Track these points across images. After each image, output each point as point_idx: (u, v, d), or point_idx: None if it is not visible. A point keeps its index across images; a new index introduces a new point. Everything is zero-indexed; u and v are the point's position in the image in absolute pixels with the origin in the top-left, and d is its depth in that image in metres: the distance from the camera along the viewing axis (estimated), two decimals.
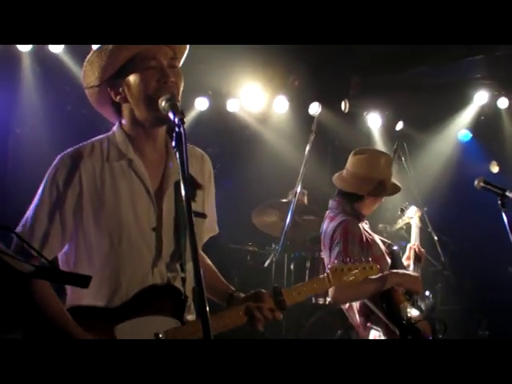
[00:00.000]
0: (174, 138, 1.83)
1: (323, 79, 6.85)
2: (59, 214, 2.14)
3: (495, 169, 7.47)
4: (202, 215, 2.33)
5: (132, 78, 2.15)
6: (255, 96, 6.76)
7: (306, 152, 5.40)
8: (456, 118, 7.40)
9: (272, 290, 2.38)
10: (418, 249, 3.92)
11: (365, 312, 3.51)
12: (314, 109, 6.76)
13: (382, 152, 4.05)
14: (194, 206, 1.81)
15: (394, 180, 3.78)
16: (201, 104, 6.69)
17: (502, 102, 7.13)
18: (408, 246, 4.00)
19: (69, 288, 2.23)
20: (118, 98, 2.20)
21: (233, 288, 2.43)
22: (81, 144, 2.24)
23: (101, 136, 2.28)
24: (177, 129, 1.84)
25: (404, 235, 6.18)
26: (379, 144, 7.46)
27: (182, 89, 2.19)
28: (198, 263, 1.73)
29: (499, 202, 3.35)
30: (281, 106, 6.98)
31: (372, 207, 3.71)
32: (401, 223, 6.18)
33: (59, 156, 2.20)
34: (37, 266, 1.61)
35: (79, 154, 2.19)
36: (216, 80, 6.44)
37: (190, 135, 1.83)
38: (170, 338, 2.17)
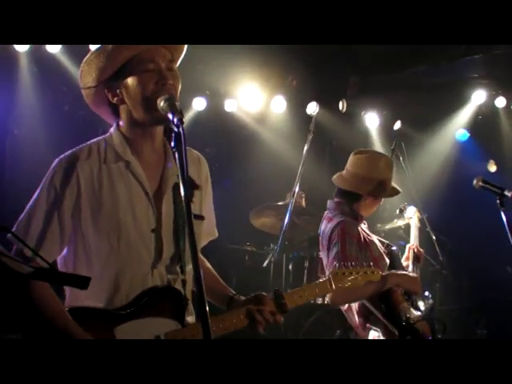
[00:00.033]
0: (173, 138, 1.82)
1: (321, 79, 6.85)
2: (57, 217, 2.14)
3: (493, 168, 7.47)
4: (200, 217, 2.32)
5: (130, 80, 2.15)
6: (253, 96, 6.76)
7: (304, 152, 5.39)
8: (454, 117, 7.40)
9: (273, 293, 2.38)
10: (417, 249, 3.92)
11: (364, 313, 3.50)
12: (312, 108, 6.75)
13: (383, 154, 4.05)
14: (192, 208, 1.81)
15: (394, 183, 3.78)
16: (198, 104, 6.68)
17: (500, 102, 7.13)
18: (407, 246, 4.00)
19: (68, 289, 2.22)
20: (116, 99, 2.20)
21: (233, 291, 2.43)
22: (78, 147, 2.24)
23: (98, 138, 2.28)
24: (176, 129, 1.83)
25: (402, 235, 6.19)
26: (377, 144, 7.46)
27: (179, 91, 2.19)
28: (198, 265, 1.73)
29: (498, 201, 3.35)
30: (279, 105, 6.97)
31: (371, 208, 3.71)
32: (397, 223, 6.20)
33: (57, 159, 2.20)
34: (35, 267, 1.60)
35: (76, 156, 2.19)
36: (214, 80, 6.44)
37: (188, 135, 1.83)
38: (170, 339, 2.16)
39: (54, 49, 5.58)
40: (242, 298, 2.36)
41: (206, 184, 2.41)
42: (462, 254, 6.95)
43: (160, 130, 2.26)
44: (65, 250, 2.19)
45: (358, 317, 3.53)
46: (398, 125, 7.28)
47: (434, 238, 5.80)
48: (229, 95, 6.79)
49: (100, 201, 2.16)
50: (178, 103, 1.98)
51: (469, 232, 7.02)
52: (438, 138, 7.50)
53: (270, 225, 6.16)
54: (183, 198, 1.78)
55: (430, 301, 3.66)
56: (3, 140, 5.82)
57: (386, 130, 7.39)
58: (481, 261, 7.02)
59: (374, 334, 3.44)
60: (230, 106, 6.86)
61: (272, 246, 5.96)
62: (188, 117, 6.47)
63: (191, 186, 2.28)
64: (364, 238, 3.51)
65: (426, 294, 3.67)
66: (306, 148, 5.39)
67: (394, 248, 3.64)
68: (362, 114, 7.45)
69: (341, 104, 6.92)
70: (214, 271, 2.51)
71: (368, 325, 3.48)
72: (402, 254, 3.90)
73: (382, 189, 3.63)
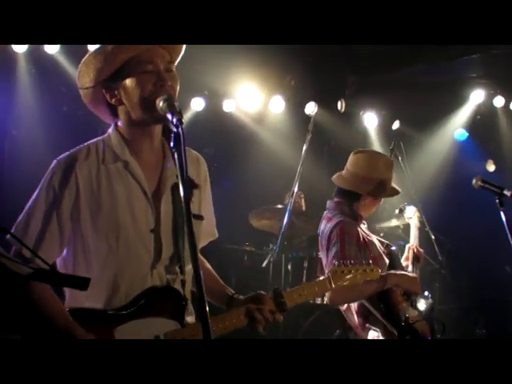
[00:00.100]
0: (172, 138, 1.82)
1: (319, 79, 6.85)
2: (56, 218, 2.14)
3: (491, 167, 7.48)
4: (199, 217, 2.32)
5: (128, 81, 2.15)
6: (251, 96, 6.75)
7: (303, 152, 5.39)
8: (452, 117, 7.41)
9: (272, 292, 2.37)
10: (417, 249, 3.92)
11: (363, 313, 3.50)
12: (311, 108, 6.75)
13: (383, 153, 4.05)
14: (191, 208, 1.80)
15: (394, 183, 3.78)
16: (197, 104, 6.68)
17: (498, 101, 7.14)
18: (407, 246, 3.99)
19: (67, 291, 2.22)
20: (114, 100, 2.20)
21: (232, 291, 2.43)
22: (76, 148, 2.23)
23: (96, 139, 2.28)
24: (175, 129, 1.83)
25: (401, 235, 6.19)
26: (376, 144, 7.46)
27: (178, 92, 2.19)
28: (198, 265, 1.73)
29: (497, 200, 3.35)
30: (277, 105, 6.97)
31: (370, 208, 3.71)
32: (395, 222, 6.21)
33: (55, 160, 2.20)
34: (35, 268, 1.60)
35: (75, 157, 2.18)
36: (212, 80, 6.43)
37: (187, 136, 1.82)
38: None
39: (52, 49, 5.57)
40: (242, 297, 2.36)
41: (204, 184, 2.41)
42: (460, 253, 6.96)
43: (159, 129, 2.26)
44: (64, 252, 2.19)
45: (358, 317, 3.52)
46: (396, 124, 7.29)
47: (432, 237, 5.81)
48: (227, 95, 6.79)
49: (99, 201, 2.16)
50: (177, 103, 1.98)
51: (468, 232, 7.03)
52: (436, 138, 7.51)
53: (269, 225, 6.17)
54: (183, 199, 1.78)
55: (430, 300, 3.65)
56: (2, 141, 5.81)
57: (385, 129, 7.39)
58: (480, 260, 7.03)
59: (374, 334, 3.44)
60: (228, 106, 6.85)
61: (271, 246, 5.97)
62: (186, 117, 6.47)
63: (190, 185, 2.28)
64: (363, 238, 3.51)
65: (426, 293, 3.66)
66: (304, 148, 5.39)
67: (393, 248, 3.63)
68: (361, 113, 7.45)
69: (339, 104, 6.93)
70: (213, 271, 2.50)
71: (367, 325, 3.48)
72: (402, 254, 3.90)
73: (381, 189, 3.63)
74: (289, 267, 5.91)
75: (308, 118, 6.24)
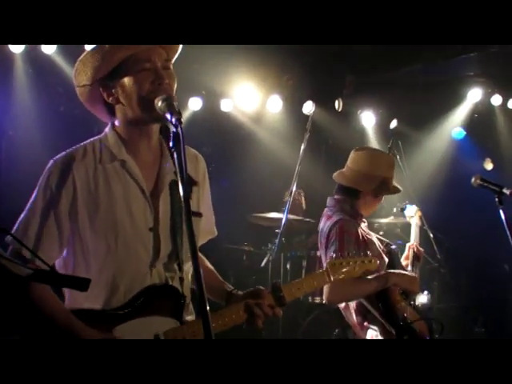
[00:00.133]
0: (171, 138, 1.82)
1: (317, 78, 6.85)
2: (54, 219, 2.13)
3: (489, 166, 7.48)
4: (198, 214, 2.32)
5: (126, 80, 2.14)
6: (249, 95, 6.75)
7: (301, 151, 5.39)
8: (450, 115, 7.41)
9: (271, 287, 2.36)
10: (417, 248, 3.91)
11: (362, 311, 3.50)
12: (308, 108, 6.76)
13: (384, 151, 4.04)
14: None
15: (395, 182, 3.77)
16: (194, 104, 6.67)
17: (496, 100, 7.14)
18: (407, 245, 3.98)
19: (66, 292, 2.22)
20: (111, 98, 2.19)
21: (231, 286, 2.42)
22: (73, 147, 2.23)
23: (93, 138, 2.27)
24: (174, 129, 1.83)
25: (400, 234, 6.20)
26: (373, 143, 7.46)
27: (175, 90, 2.18)
28: (198, 262, 1.73)
29: (496, 199, 3.34)
30: (275, 105, 6.96)
31: (371, 207, 3.70)
32: (394, 220, 6.21)
33: (52, 160, 2.19)
34: (35, 269, 1.59)
35: (72, 157, 2.18)
36: (210, 79, 6.43)
37: (184, 135, 1.83)
38: (170, 339, 2.15)
39: (49, 50, 5.56)
40: (240, 292, 2.36)
41: (203, 181, 2.41)
42: (459, 252, 6.96)
43: (156, 128, 2.26)
44: (64, 252, 2.18)
45: (356, 315, 3.52)
46: (394, 123, 7.28)
47: (431, 236, 5.81)
48: (225, 95, 6.78)
49: (96, 201, 2.15)
50: (175, 103, 1.97)
51: (466, 230, 7.03)
52: (434, 137, 7.51)
53: (267, 224, 6.18)
54: (182, 198, 1.78)
55: (429, 300, 3.65)
56: None
57: (383, 128, 7.38)
58: (478, 259, 7.04)
59: (372, 334, 3.43)
60: (225, 105, 6.85)
61: (270, 245, 5.97)
62: (184, 117, 6.41)
63: (189, 183, 2.27)
64: (363, 237, 3.50)
65: (425, 293, 3.67)
66: (302, 147, 5.38)
67: (393, 247, 3.62)
68: (358, 112, 7.44)
69: (337, 103, 6.92)
70: (211, 267, 2.50)
71: (366, 323, 3.47)
72: (401, 253, 3.90)
73: (382, 186, 3.62)
74: (287, 266, 5.91)
75: (306, 117, 6.24)
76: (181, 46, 2.28)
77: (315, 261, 5.69)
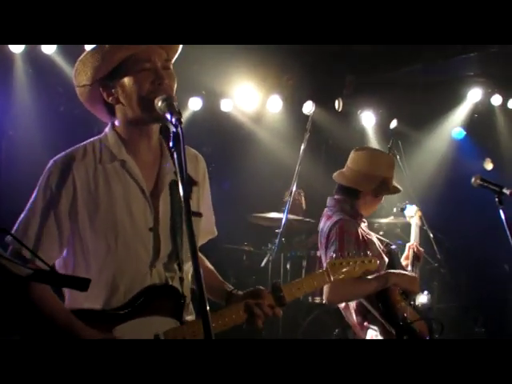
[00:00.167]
0: (171, 138, 1.82)
1: (317, 78, 6.84)
2: (54, 218, 2.13)
3: (489, 166, 7.48)
4: (198, 214, 2.32)
5: (126, 80, 2.14)
6: (249, 95, 6.75)
7: (301, 151, 5.38)
8: (450, 115, 7.40)
9: (271, 287, 2.36)
10: (417, 248, 3.91)
11: (362, 311, 3.49)
12: (308, 108, 6.76)
13: (384, 151, 4.04)
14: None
15: (395, 182, 3.76)
16: (194, 104, 6.67)
17: (496, 100, 7.14)
18: (407, 245, 3.98)
19: (66, 292, 2.22)
20: (111, 98, 2.19)
21: (231, 286, 2.42)
22: (73, 147, 2.22)
23: (93, 138, 2.27)
24: (174, 129, 1.83)
25: (400, 234, 6.19)
26: (373, 143, 7.45)
27: (175, 90, 2.18)
28: (198, 262, 1.73)
29: (496, 199, 3.34)
30: (275, 105, 6.96)
31: (371, 207, 3.69)
32: (393, 219, 6.21)
33: (52, 160, 2.19)
34: (35, 269, 1.59)
35: (72, 157, 2.18)
36: (210, 80, 6.43)
37: (184, 135, 1.83)
38: (170, 339, 2.15)
39: (49, 50, 5.56)
40: (240, 292, 2.35)
41: (203, 181, 2.41)
42: (459, 252, 6.96)
43: (156, 128, 2.26)
44: (64, 252, 2.18)
45: (356, 315, 3.52)
46: (394, 123, 7.28)
47: (431, 236, 5.81)
48: (225, 95, 6.78)
49: (96, 201, 2.15)
50: (175, 103, 1.97)
51: (466, 230, 7.03)
52: (434, 137, 7.51)
53: (267, 224, 6.18)
54: (182, 198, 1.78)
55: (429, 300, 3.65)
56: None
57: (383, 128, 7.38)
58: (478, 259, 7.03)
59: (372, 333, 3.43)
60: (225, 105, 6.84)
61: (270, 245, 5.96)
62: (184, 117, 6.41)
63: (189, 183, 2.27)
64: (363, 237, 3.49)
65: (425, 293, 3.66)
66: (302, 147, 5.38)
67: (393, 247, 3.61)
68: (358, 112, 7.44)
69: (337, 103, 6.92)
70: (211, 267, 2.50)
71: (366, 323, 3.47)
72: (401, 253, 3.89)
73: (382, 186, 3.61)
74: (287, 266, 5.91)
75: (305, 117, 6.24)
76: (181, 46, 2.28)
77: (315, 261, 5.69)
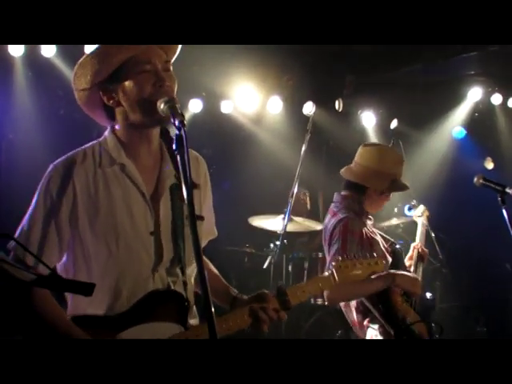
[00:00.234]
0: (174, 140, 1.81)
1: (317, 78, 6.83)
2: (55, 224, 2.12)
3: (490, 165, 7.47)
4: (200, 217, 2.31)
5: (127, 83, 2.13)
6: (249, 97, 6.74)
7: (302, 152, 5.37)
8: (450, 115, 7.39)
9: (276, 290, 2.34)
10: (422, 249, 3.89)
11: (362, 310, 3.48)
12: (308, 108, 6.75)
13: (393, 148, 4.00)
14: None
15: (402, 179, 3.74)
16: (195, 106, 6.66)
17: (496, 99, 7.13)
18: (412, 245, 3.95)
19: (69, 298, 2.20)
20: (111, 102, 2.18)
21: (235, 290, 2.41)
22: (73, 152, 2.22)
23: (92, 142, 2.26)
24: (177, 131, 1.82)
25: (401, 234, 6.18)
26: None
27: (176, 92, 2.17)
28: (203, 265, 1.72)
29: (499, 198, 3.34)
30: (275, 106, 6.95)
31: (377, 204, 3.66)
32: (395, 221, 6.19)
33: (51, 165, 2.18)
34: (38, 274, 1.58)
35: (71, 161, 2.17)
36: (210, 80, 6.42)
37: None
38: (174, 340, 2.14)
39: (48, 53, 5.56)
40: (245, 297, 2.34)
41: (204, 183, 2.40)
42: (461, 252, 6.95)
43: (156, 132, 2.25)
44: (64, 257, 2.17)
45: (357, 314, 3.51)
46: (394, 123, 7.28)
47: (433, 236, 5.79)
48: (225, 96, 6.77)
49: (97, 205, 2.14)
50: (178, 105, 1.97)
51: (468, 230, 7.02)
52: (434, 136, 7.49)
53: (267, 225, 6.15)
54: (186, 201, 1.77)
55: (431, 302, 3.63)
56: None
57: (383, 128, 7.38)
58: (480, 258, 7.03)
59: (372, 333, 3.42)
60: (226, 107, 6.84)
61: (272, 246, 5.95)
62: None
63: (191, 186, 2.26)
64: (367, 236, 3.47)
65: (428, 295, 3.65)
66: (303, 148, 5.37)
67: (397, 246, 3.60)
68: (359, 113, 7.43)
69: (337, 103, 6.91)
70: (216, 271, 2.49)
71: (366, 323, 3.46)
72: (405, 253, 3.87)
73: (390, 183, 3.59)
74: (289, 268, 5.89)
75: (306, 117, 6.23)
76: (180, 46, 2.27)
77: (317, 262, 5.69)
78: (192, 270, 2.25)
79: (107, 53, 2.11)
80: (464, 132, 7.55)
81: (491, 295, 6.81)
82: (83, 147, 2.24)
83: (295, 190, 5.37)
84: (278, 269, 5.79)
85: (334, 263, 2.54)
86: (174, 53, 2.28)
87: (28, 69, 5.72)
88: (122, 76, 2.13)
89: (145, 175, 2.21)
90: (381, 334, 3.37)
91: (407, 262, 3.80)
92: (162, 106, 2.00)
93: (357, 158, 3.69)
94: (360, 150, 3.70)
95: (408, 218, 5.91)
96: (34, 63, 5.69)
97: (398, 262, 3.50)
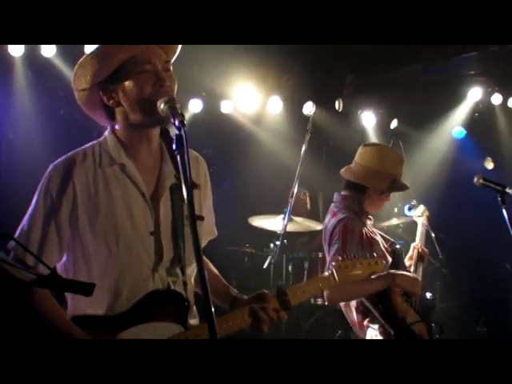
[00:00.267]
0: (174, 140, 1.81)
1: (317, 78, 6.83)
2: (55, 224, 2.12)
3: (490, 165, 7.47)
4: (200, 217, 2.31)
5: (127, 82, 2.13)
6: (249, 97, 6.74)
7: (302, 152, 5.37)
8: (450, 115, 7.39)
9: (276, 290, 2.34)
10: (422, 249, 3.88)
11: (362, 310, 3.48)
12: (308, 108, 6.75)
13: (393, 148, 3.99)
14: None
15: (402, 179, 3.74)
16: (195, 106, 6.66)
17: (496, 99, 7.13)
18: (412, 245, 3.95)
19: (69, 298, 2.20)
20: (111, 102, 2.18)
21: (235, 291, 2.41)
22: (72, 152, 2.21)
23: (92, 142, 2.26)
24: (177, 131, 1.82)
25: (401, 234, 6.18)
26: None
27: (176, 92, 2.17)
28: (203, 265, 1.72)
29: (499, 198, 3.34)
30: (275, 106, 6.95)
31: (378, 204, 3.66)
32: (395, 221, 6.19)
33: (51, 165, 2.18)
34: (38, 274, 1.58)
35: (72, 161, 2.17)
36: (210, 80, 6.42)
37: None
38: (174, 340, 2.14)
39: (48, 53, 5.57)
40: (245, 297, 2.34)
41: (204, 184, 2.40)
42: (461, 252, 6.95)
43: (156, 132, 2.25)
44: (64, 257, 2.17)
45: (357, 313, 3.51)
46: (394, 123, 7.28)
47: (433, 236, 5.79)
48: (225, 96, 6.77)
49: (97, 205, 2.14)
50: (178, 105, 1.97)
51: (467, 230, 7.02)
52: (435, 136, 7.49)
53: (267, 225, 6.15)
54: (186, 201, 1.77)
55: (431, 302, 3.63)
56: None
57: (383, 128, 7.38)
58: (480, 258, 7.03)
59: (372, 333, 3.42)
60: (226, 107, 6.84)
61: (272, 246, 5.94)
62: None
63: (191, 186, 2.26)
64: (367, 237, 3.47)
65: (428, 295, 3.64)
66: (303, 148, 5.37)
67: (397, 246, 3.59)
68: (359, 113, 7.43)
69: (337, 103, 6.91)
70: (216, 271, 2.49)
71: (365, 322, 3.46)
72: (407, 254, 3.87)
73: (391, 183, 3.59)
74: (289, 268, 5.89)
75: (306, 117, 6.23)
76: (180, 46, 2.27)
77: (317, 262, 5.68)
78: (192, 270, 2.25)
79: (107, 53, 2.11)
80: (464, 132, 7.55)
81: (491, 295, 6.81)
82: (83, 147, 2.24)
83: (295, 190, 5.36)
84: (278, 269, 5.79)
85: (333, 263, 2.53)
86: (174, 53, 2.28)
87: (28, 69, 5.72)
88: (122, 76, 2.13)
89: (145, 175, 2.21)
90: (381, 333, 3.36)
91: (407, 261, 3.80)
92: (161, 105, 2.00)
93: (357, 158, 3.69)
94: (360, 149, 3.70)
95: (408, 218, 5.90)
96: (34, 63, 5.69)
97: (398, 262, 3.50)
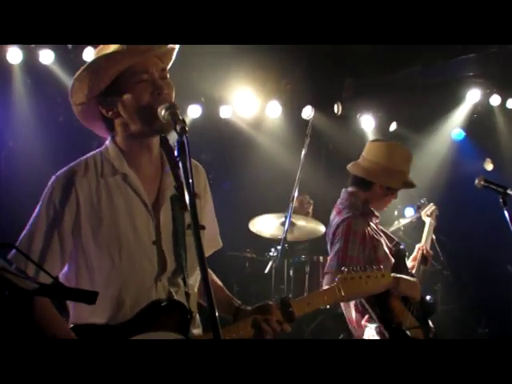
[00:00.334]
0: (176, 147, 1.81)
1: (315, 82, 6.84)
2: (57, 234, 2.11)
3: (490, 166, 7.48)
4: (201, 227, 2.29)
5: (125, 93, 2.12)
6: (248, 101, 6.74)
7: (302, 156, 5.36)
8: (449, 116, 7.40)
9: (279, 302, 2.33)
10: (426, 250, 3.86)
11: (361, 309, 3.47)
12: (307, 112, 6.75)
13: (401, 145, 3.95)
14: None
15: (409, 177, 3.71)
16: (194, 111, 6.66)
17: (495, 100, 7.14)
18: (417, 246, 3.92)
19: (71, 307, 2.19)
20: (110, 113, 2.17)
21: (239, 302, 2.39)
22: (74, 162, 2.21)
23: (94, 152, 2.25)
24: (179, 138, 1.81)
25: (402, 236, 6.16)
26: None
27: (174, 99, 2.16)
28: (207, 274, 1.72)
29: (501, 200, 3.34)
30: (274, 110, 6.95)
31: (383, 202, 3.62)
32: (396, 225, 6.17)
33: (54, 176, 2.17)
34: (41, 283, 1.57)
35: (74, 172, 2.16)
36: (209, 86, 6.42)
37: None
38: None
39: (47, 60, 5.57)
40: (249, 308, 2.33)
41: (204, 192, 2.39)
42: (461, 253, 6.94)
43: (156, 141, 2.24)
44: (66, 267, 2.16)
45: (356, 312, 3.49)
46: (393, 126, 7.29)
47: (434, 237, 5.78)
48: (224, 101, 6.77)
49: (99, 215, 2.13)
50: (179, 111, 1.96)
51: (468, 231, 7.02)
52: (434, 138, 7.49)
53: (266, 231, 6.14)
54: (189, 207, 1.77)
55: (432, 306, 3.60)
56: None
57: (382, 131, 7.38)
58: (481, 260, 7.02)
59: (369, 333, 3.40)
60: (225, 112, 6.84)
61: (273, 251, 5.93)
62: None
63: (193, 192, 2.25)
64: (370, 237, 3.44)
65: (428, 298, 3.62)
66: (303, 152, 5.36)
67: (402, 247, 3.57)
68: (358, 116, 7.43)
69: (336, 107, 6.91)
70: (219, 282, 2.48)
71: (364, 322, 3.44)
72: (411, 255, 3.85)
73: (398, 180, 3.57)
74: (291, 273, 5.87)
75: (305, 121, 6.24)
76: (175, 52, 2.26)
77: (318, 266, 5.67)
78: (195, 280, 2.25)
79: (103, 65, 2.11)
80: (463, 134, 7.56)
81: (492, 296, 6.81)
82: (84, 157, 2.23)
83: (296, 194, 5.35)
84: (279, 273, 5.77)
85: (339, 275, 2.49)
86: (170, 59, 2.27)
87: (27, 76, 5.73)
88: (119, 87, 2.13)
89: (146, 185, 2.21)
90: (378, 333, 3.35)
91: (410, 262, 3.77)
92: (163, 112, 1.99)
93: (365, 153, 3.66)
94: (368, 145, 3.68)
95: (408, 219, 5.89)
96: (33, 70, 5.70)
97: (400, 264, 3.48)
